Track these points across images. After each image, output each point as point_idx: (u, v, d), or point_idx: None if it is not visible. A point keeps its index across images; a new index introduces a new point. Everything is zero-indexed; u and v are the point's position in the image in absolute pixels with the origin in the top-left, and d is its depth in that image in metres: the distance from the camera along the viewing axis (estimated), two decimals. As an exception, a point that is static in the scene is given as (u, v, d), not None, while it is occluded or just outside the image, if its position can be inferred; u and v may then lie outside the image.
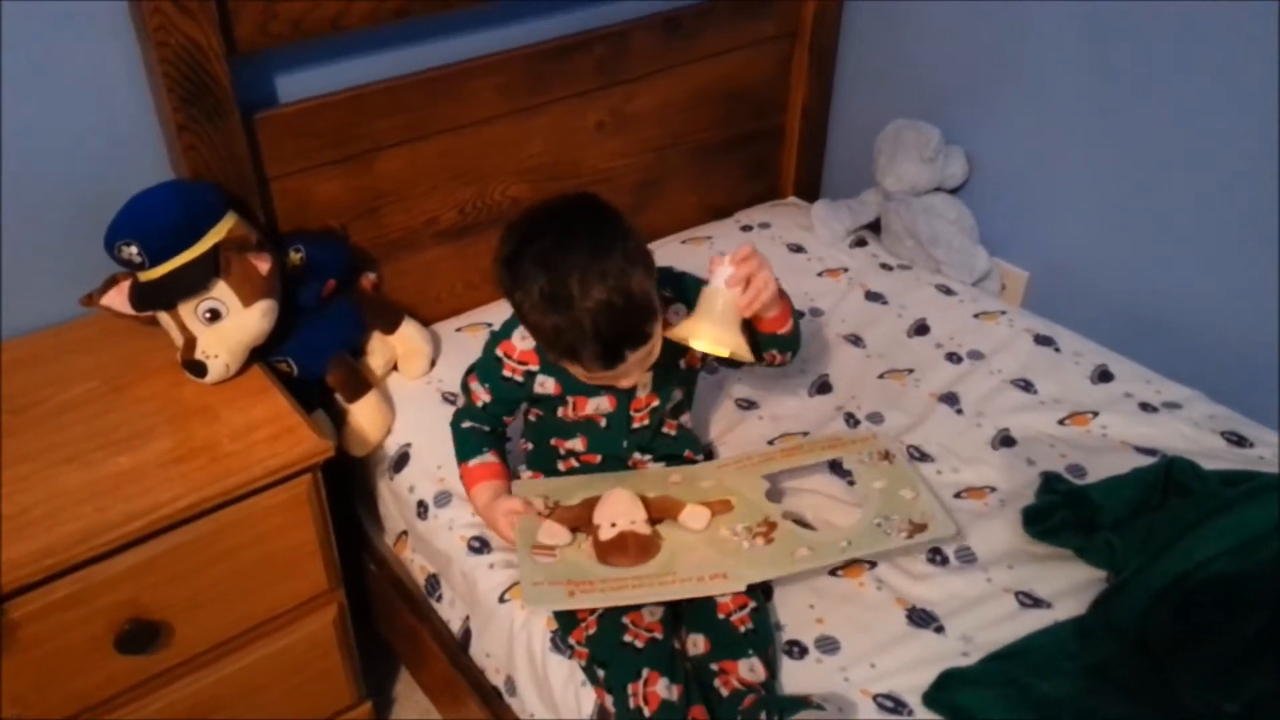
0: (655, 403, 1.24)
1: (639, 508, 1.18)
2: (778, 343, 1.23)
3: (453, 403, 1.46)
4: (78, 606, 1.09)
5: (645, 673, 1.05)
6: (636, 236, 1.08)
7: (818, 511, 1.29)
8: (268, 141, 1.37)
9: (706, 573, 1.13)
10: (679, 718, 1.03)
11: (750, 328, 1.18)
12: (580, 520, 1.19)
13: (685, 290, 1.20)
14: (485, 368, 1.23)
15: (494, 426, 1.28)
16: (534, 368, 1.20)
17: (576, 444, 1.25)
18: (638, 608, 1.10)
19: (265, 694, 1.30)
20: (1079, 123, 1.64)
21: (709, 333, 1.09)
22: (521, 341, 1.20)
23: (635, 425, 1.24)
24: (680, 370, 1.25)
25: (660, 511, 1.20)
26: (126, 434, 1.20)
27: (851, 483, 1.33)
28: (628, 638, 1.07)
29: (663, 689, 1.04)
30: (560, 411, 1.23)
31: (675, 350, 1.16)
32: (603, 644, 1.09)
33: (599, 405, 1.22)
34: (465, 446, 1.26)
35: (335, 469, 1.36)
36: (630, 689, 1.05)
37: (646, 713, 1.03)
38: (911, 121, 1.79)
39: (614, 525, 1.16)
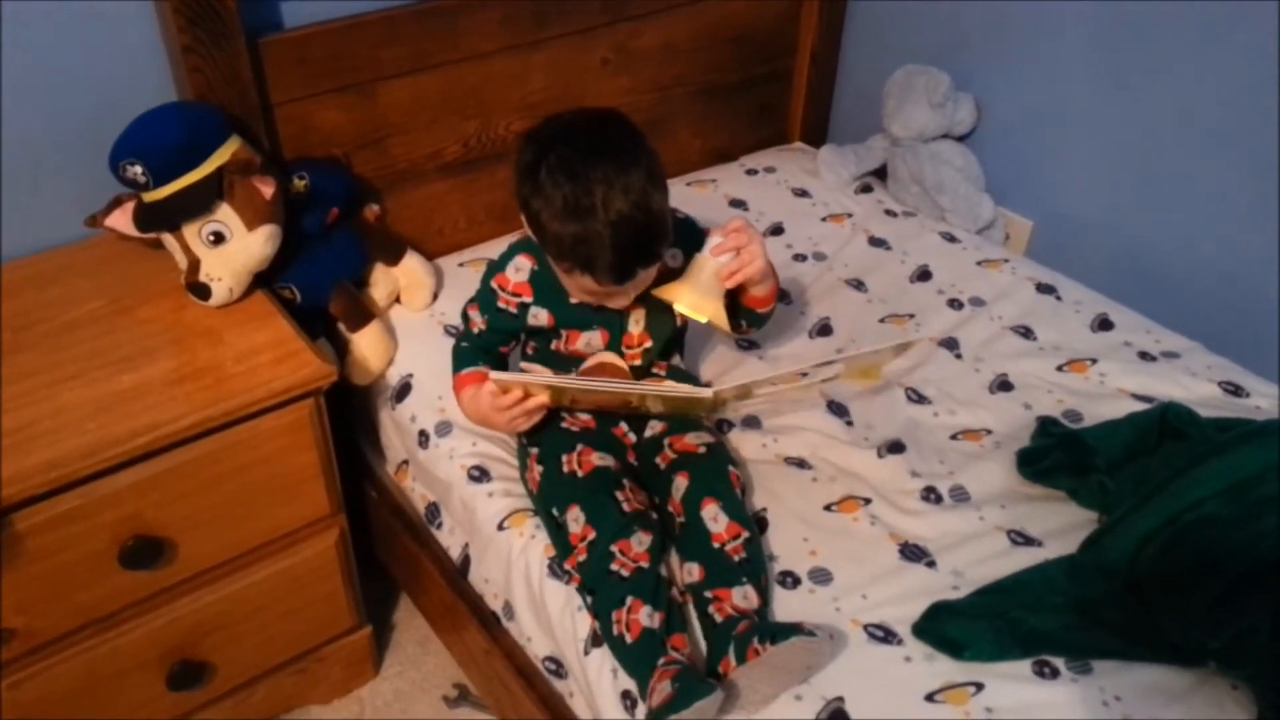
0: (648, 344, 1.24)
1: (624, 365, 1.22)
2: (754, 318, 1.26)
3: (455, 335, 1.47)
4: (82, 520, 1.10)
5: (629, 600, 1.06)
6: (657, 158, 1.09)
7: (815, 449, 1.30)
8: (272, 67, 1.36)
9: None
10: (658, 645, 1.04)
11: (734, 299, 1.20)
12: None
13: (685, 235, 1.20)
14: (483, 297, 1.24)
15: (490, 350, 1.28)
16: (527, 299, 1.21)
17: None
18: (629, 536, 1.10)
19: (266, 614, 1.32)
20: (1088, 74, 1.63)
21: (689, 298, 1.14)
22: (515, 274, 1.20)
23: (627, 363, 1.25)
24: (674, 313, 1.25)
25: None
26: (130, 353, 1.21)
27: (850, 423, 1.34)
28: (614, 566, 1.09)
29: (644, 616, 1.05)
30: (553, 344, 1.24)
31: None
32: (591, 571, 1.11)
33: (590, 340, 1.22)
34: (460, 361, 1.27)
35: (338, 399, 1.37)
36: (614, 616, 1.06)
37: (628, 639, 1.05)
38: (922, 67, 1.78)
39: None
